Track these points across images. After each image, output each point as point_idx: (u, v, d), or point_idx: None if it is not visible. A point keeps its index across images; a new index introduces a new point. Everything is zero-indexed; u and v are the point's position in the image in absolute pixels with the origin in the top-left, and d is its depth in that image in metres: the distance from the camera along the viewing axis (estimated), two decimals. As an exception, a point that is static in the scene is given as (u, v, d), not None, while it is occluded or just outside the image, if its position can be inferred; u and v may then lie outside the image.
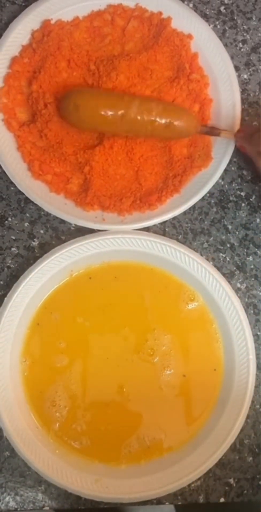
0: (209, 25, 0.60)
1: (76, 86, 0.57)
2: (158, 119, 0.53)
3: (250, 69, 0.62)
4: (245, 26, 0.63)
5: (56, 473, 0.52)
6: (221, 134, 0.55)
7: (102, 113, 0.52)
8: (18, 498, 0.55)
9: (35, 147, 0.56)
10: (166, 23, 0.58)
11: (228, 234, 0.60)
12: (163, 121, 0.53)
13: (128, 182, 0.57)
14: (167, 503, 0.55)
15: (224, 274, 0.57)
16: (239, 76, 0.61)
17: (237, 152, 0.60)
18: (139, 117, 0.52)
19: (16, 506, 0.55)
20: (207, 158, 0.57)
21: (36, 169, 0.56)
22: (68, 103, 0.53)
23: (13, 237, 0.58)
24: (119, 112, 0.52)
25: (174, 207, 0.56)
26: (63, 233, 0.58)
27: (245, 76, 0.62)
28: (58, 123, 0.56)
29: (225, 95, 0.58)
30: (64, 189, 0.56)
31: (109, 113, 0.52)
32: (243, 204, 0.60)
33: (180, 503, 0.55)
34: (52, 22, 0.58)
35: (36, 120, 0.56)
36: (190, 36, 0.59)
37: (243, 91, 0.61)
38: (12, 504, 0.54)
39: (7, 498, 0.54)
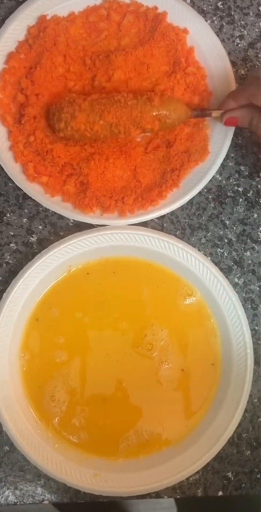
0: (206, 21, 0.60)
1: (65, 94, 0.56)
2: (145, 114, 0.52)
3: (248, 65, 0.62)
4: (242, 22, 0.63)
5: (56, 467, 0.52)
6: (212, 114, 0.55)
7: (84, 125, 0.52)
8: (17, 492, 0.55)
9: (28, 148, 0.56)
10: (161, 18, 0.58)
11: (226, 230, 0.60)
12: (152, 113, 0.52)
13: (127, 182, 0.57)
14: (165, 496, 0.55)
15: (221, 269, 0.58)
16: (236, 71, 0.61)
17: (235, 147, 0.60)
18: (125, 120, 0.52)
19: (15, 500, 0.55)
20: (204, 152, 0.57)
21: (31, 172, 0.55)
22: (51, 115, 0.53)
23: (12, 233, 0.58)
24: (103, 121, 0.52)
25: (172, 202, 0.56)
26: (62, 229, 0.58)
27: (242, 72, 0.62)
28: (45, 132, 0.56)
29: (222, 90, 0.58)
30: (61, 191, 0.56)
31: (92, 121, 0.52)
32: (240, 200, 0.60)
33: (178, 496, 0.56)
34: (48, 17, 0.58)
35: (25, 123, 0.56)
36: (185, 31, 0.59)
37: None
38: (11, 498, 0.55)
39: (6, 492, 0.55)
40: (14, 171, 0.56)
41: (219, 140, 0.57)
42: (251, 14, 0.63)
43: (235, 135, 0.58)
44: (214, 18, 0.62)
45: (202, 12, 0.62)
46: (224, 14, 0.63)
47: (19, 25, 0.57)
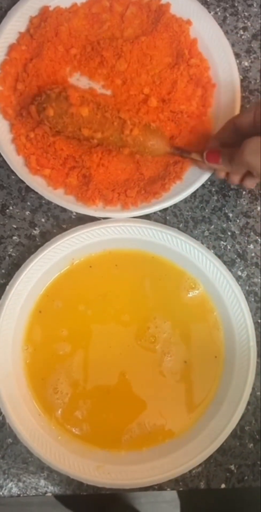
0: (210, 12, 0.60)
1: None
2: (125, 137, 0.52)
3: (251, 56, 0.62)
4: (246, 13, 0.62)
5: (59, 460, 0.53)
6: (191, 156, 0.54)
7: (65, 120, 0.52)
8: (20, 484, 0.55)
9: (30, 141, 0.56)
10: (164, 9, 0.58)
11: (229, 222, 0.60)
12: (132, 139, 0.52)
13: (130, 174, 0.57)
14: (168, 489, 0.55)
15: (225, 262, 0.58)
16: (240, 63, 0.61)
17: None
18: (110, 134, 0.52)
19: (19, 492, 0.55)
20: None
21: (34, 165, 0.55)
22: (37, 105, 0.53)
23: (15, 226, 0.58)
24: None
25: (175, 194, 0.56)
26: (64, 222, 0.58)
27: (246, 64, 0.61)
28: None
29: (225, 82, 0.57)
30: (63, 183, 0.56)
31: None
32: (244, 192, 0.60)
33: (181, 489, 0.56)
34: (51, 9, 0.57)
35: (27, 117, 0.55)
36: (189, 22, 0.58)
37: (244, 78, 0.61)
38: (15, 490, 0.55)
39: (10, 485, 0.55)
40: (17, 164, 0.56)
41: (222, 133, 0.56)
42: (254, 5, 0.63)
43: (239, 127, 0.58)
44: (218, 9, 0.62)
45: (205, 3, 0.61)
46: (227, 5, 0.62)
47: (22, 16, 0.57)
